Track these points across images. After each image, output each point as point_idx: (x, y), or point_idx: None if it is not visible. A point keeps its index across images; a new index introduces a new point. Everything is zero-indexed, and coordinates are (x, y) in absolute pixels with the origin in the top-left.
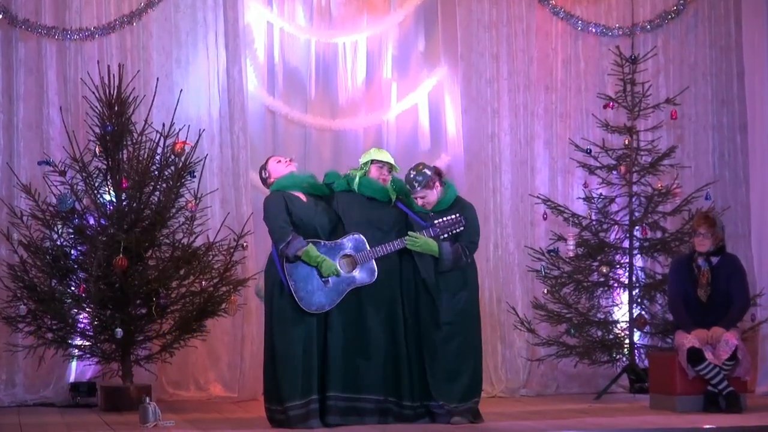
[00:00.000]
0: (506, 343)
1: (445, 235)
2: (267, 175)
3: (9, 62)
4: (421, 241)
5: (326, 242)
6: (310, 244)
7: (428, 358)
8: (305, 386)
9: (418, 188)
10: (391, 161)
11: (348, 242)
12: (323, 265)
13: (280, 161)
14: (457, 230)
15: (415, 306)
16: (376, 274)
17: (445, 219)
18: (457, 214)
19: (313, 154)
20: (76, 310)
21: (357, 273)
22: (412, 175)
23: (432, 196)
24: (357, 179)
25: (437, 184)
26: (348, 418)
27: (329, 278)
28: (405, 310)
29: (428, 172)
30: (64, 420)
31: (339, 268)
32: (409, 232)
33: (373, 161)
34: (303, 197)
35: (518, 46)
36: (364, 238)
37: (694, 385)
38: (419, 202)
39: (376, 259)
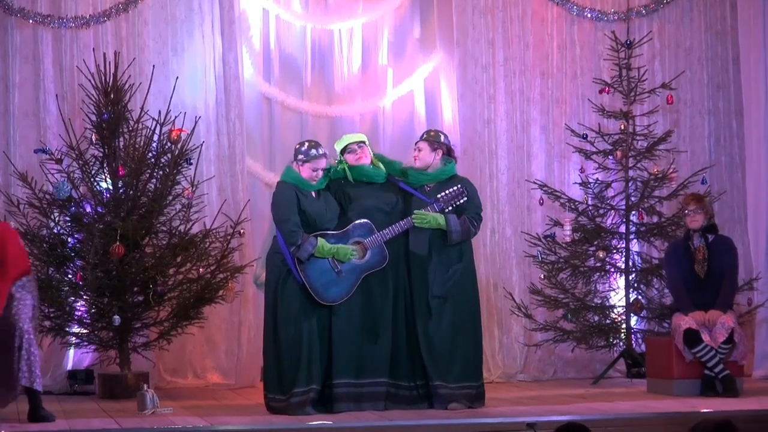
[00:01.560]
0: (503, 328)
1: (450, 208)
2: (300, 162)
3: (5, 50)
4: (429, 217)
5: (334, 232)
6: (320, 239)
7: (422, 334)
8: (307, 376)
9: (424, 138)
10: (356, 138)
11: (355, 229)
12: (339, 253)
13: (315, 171)
14: (461, 201)
15: (410, 282)
16: (387, 256)
17: (447, 192)
18: (459, 186)
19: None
20: (73, 298)
21: (368, 258)
22: (431, 129)
23: (427, 156)
24: (347, 171)
25: (439, 153)
26: (358, 405)
27: (342, 269)
28: (405, 289)
29: (441, 138)
30: (62, 408)
31: (353, 254)
32: (415, 210)
33: (342, 154)
34: (310, 191)
35: (514, 31)
36: (370, 223)
37: (690, 370)
38: (414, 153)
39: (384, 242)
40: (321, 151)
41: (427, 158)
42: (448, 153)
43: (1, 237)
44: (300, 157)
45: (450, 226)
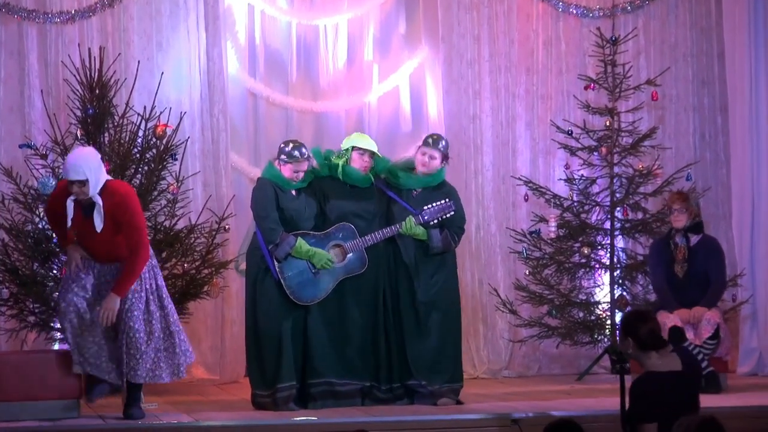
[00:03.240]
0: (488, 324)
1: (434, 221)
2: (282, 162)
3: None
4: (416, 229)
5: (315, 233)
6: (299, 239)
7: (408, 339)
8: (290, 371)
9: (440, 148)
10: (374, 148)
11: (337, 232)
12: (315, 257)
13: (296, 173)
14: (447, 215)
15: (395, 288)
16: (367, 262)
17: (434, 205)
18: (447, 199)
19: (295, 137)
20: (57, 294)
21: (347, 262)
22: (443, 137)
23: (436, 165)
24: (340, 168)
25: (445, 162)
26: (337, 402)
27: (319, 270)
28: (385, 293)
29: (449, 149)
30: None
31: (331, 259)
32: (408, 218)
33: (354, 148)
34: (290, 189)
35: (499, 27)
36: (353, 227)
37: None
38: (426, 158)
39: (366, 248)
40: (305, 154)
41: (434, 166)
42: (446, 159)
43: (118, 211)
44: (282, 156)
45: (432, 241)
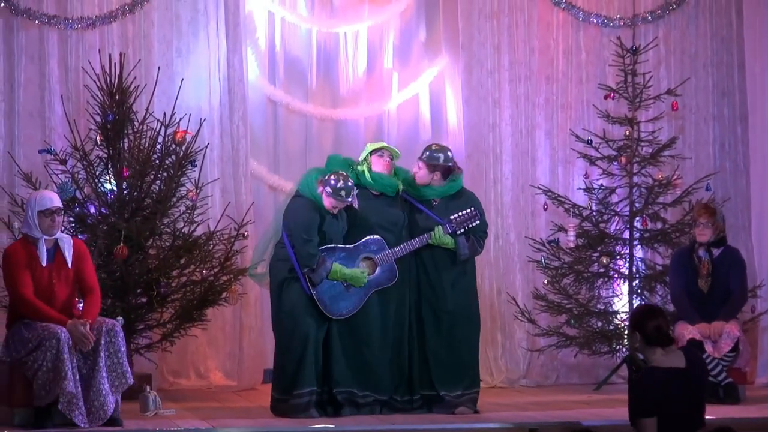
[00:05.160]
0: (506, 333)
1: (461, 231)
2: (326, 190)
3: (10, 50)
4: (445, 239)
5: (345, 246)
6: (335, 264)
7: (431, 348)
8: (311, 377)
9: (423, 158)
10: (393, 149)
11: (367, 245)
12: (353, 280)
13: (335, 205)
14: (473, 224)
15: (418, 297)
16: (397, 274)
17: (460, 214)
18: (472, 208)
19: (314, 144)
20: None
21: (378, 274)
22: (433, 146)
23: (425, 177)
24: (367, 174)
25: (437, 174)
26: (350, 410)
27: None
28: (409, 302)
29: (440, 160)
30: None
31: (366, 277)
32: (435, 228)
33: (372, 152)
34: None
35: (519, 36)
36: (382, 240)
37: None
38: (414, 168)
39: (395, 259)
40: (351, 197)
41: (425, 178)
42: (450, 171)
43: (82, 254)
44: (328, 189)
45: (459, 249)
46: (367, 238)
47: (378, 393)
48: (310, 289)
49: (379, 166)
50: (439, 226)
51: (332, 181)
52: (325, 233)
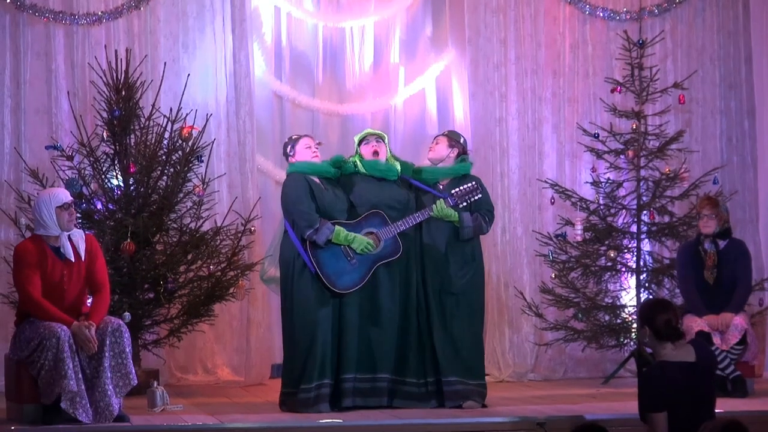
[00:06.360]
0: (514, 327)
1: (464, 204)
2: (292, 153)
3: (17, 47)
4: (447, 210)
5: (348, 221)
6: (337, 225)
7: (437, 330)
8: (320, 369)
9: (445, 133)
10: (376, 132)
11: (369, 220)
12: (355, 241)
13: (309, 147)
14: (475, 197)
15: (423, 277)
16: (401, 247)
17: (462, 188)
18: (473, 182)
19: (321, 139)
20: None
21: (381, 248)
22: (453, 130)
23: (443, 150)
24: (359, 162)
25: (455, 151)
26: (366, 400)
27: (355, 257)
28: (417, 284)
29: (461, 139)
30: None
31: (371, 245)
32: (437, 201)
33: (359, 144)
34: (320, 182)
35: (526, 30)
36: (384, 214)
37: None
38: (431, 144)
39: (398, 234)
40: (300, 134)
41: (443, 152)
42: (464, 153)
43: (95, 250)
44: (288, 149)
45: (462, 221)
46: (368, 213)
47: (381, 372)
48: (314, 266)
49: (367, 153)
50: (441, 199)
51: (284, 147)
52: (317, 200)
